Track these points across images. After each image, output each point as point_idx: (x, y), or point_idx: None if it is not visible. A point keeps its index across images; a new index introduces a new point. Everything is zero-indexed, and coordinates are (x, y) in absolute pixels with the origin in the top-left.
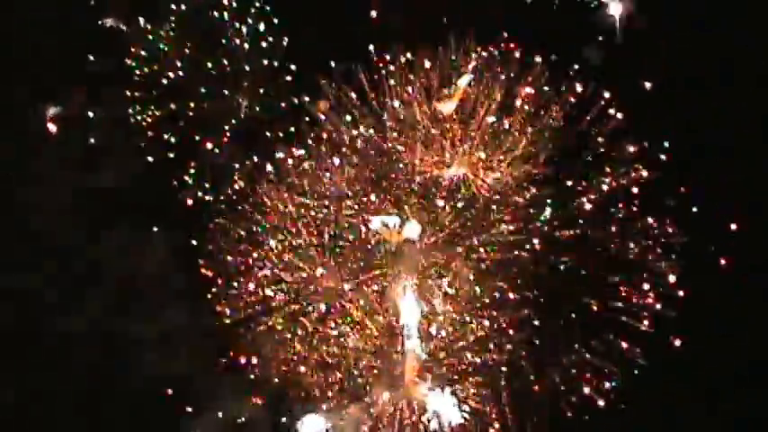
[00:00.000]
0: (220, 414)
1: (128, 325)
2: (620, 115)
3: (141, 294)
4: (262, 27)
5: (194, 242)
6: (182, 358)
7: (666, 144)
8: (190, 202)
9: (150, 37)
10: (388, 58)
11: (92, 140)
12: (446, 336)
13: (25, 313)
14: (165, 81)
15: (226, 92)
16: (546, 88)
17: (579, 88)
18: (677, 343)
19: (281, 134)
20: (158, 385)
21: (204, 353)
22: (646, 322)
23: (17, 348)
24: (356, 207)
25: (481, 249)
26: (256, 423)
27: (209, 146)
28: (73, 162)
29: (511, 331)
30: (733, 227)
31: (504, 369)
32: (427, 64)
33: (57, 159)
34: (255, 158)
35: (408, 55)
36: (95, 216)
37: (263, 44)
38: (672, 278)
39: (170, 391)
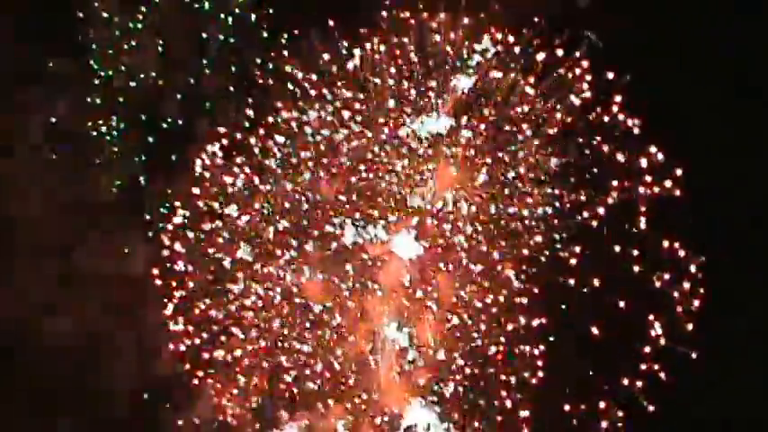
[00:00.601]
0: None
1: (109, 327)
2: (630, 122)
3: (122, 297)
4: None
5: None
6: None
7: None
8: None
9: (117, 32)
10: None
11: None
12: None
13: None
14: (133, 85)
15: (207, 104)
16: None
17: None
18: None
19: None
20: (138, 387)
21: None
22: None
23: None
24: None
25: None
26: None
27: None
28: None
29: (499, 355)
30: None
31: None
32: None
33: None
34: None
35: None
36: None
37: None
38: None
39: (150, 393)
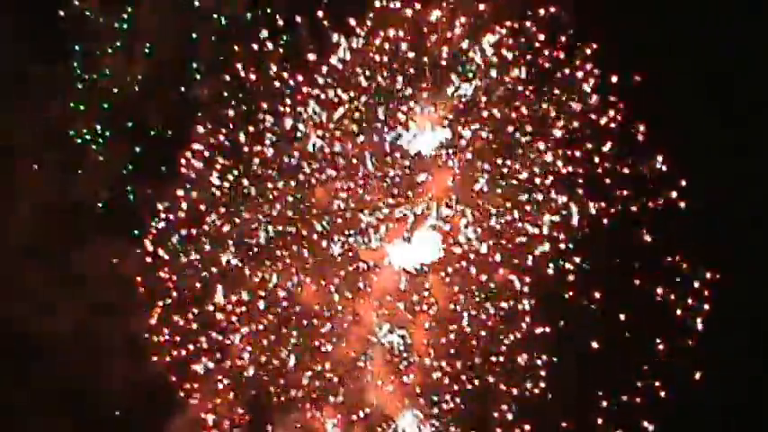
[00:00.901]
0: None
1: (101, 328)
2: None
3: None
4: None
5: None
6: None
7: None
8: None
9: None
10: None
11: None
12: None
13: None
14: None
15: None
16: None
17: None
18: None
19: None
20: (132, 386)
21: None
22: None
23: None
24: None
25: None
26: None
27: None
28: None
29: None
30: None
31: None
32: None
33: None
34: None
35: None
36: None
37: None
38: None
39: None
